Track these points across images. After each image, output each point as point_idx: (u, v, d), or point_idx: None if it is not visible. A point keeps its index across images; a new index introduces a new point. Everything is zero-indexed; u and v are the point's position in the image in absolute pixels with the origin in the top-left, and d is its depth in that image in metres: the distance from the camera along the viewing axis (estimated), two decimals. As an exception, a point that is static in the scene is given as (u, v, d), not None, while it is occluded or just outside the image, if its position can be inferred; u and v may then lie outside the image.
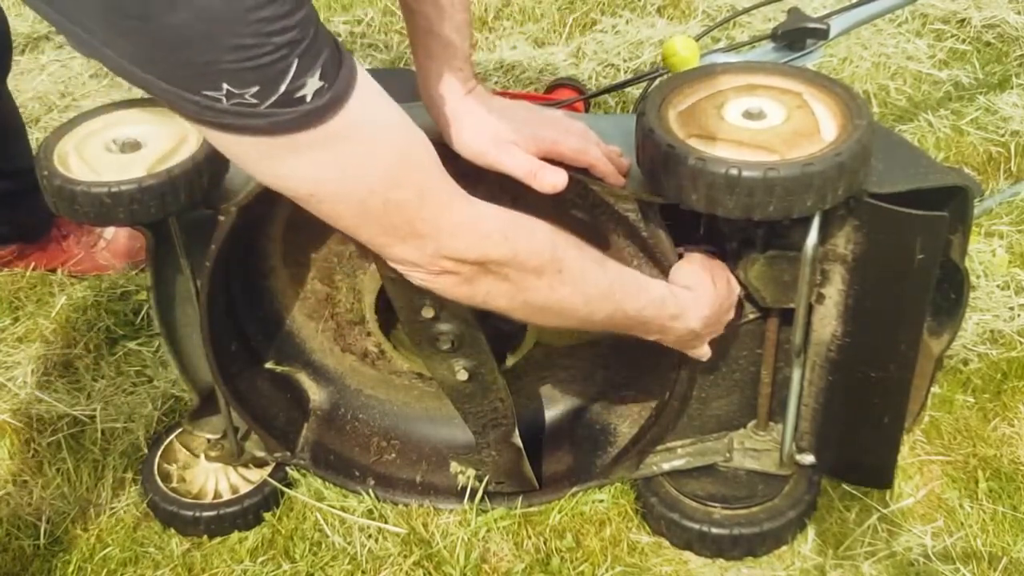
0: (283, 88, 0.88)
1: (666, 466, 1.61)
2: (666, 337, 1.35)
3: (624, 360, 1.67)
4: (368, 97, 0.98)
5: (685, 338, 1.36)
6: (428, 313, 1.48)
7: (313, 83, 0.89)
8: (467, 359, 1.53)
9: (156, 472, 1.69)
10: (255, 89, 0.87)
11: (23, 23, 2.97)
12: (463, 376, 1.54)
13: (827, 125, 1.32)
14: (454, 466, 1.67)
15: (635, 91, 2.42)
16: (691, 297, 1.33)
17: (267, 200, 1.51)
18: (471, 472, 1.65)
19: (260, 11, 0.85)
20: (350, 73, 0.95)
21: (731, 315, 1.41)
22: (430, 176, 1.04)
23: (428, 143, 1.06)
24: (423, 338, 1.52)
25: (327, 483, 1.69)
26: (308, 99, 0.90)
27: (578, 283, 1.20)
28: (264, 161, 0.95)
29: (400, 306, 1.50)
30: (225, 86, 0.86)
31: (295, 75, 0.88)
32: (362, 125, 0.97)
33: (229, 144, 0.95)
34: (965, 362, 1.84)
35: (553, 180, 1.31)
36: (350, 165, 0.98)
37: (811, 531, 1.58)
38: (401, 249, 1.08)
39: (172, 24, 0.83)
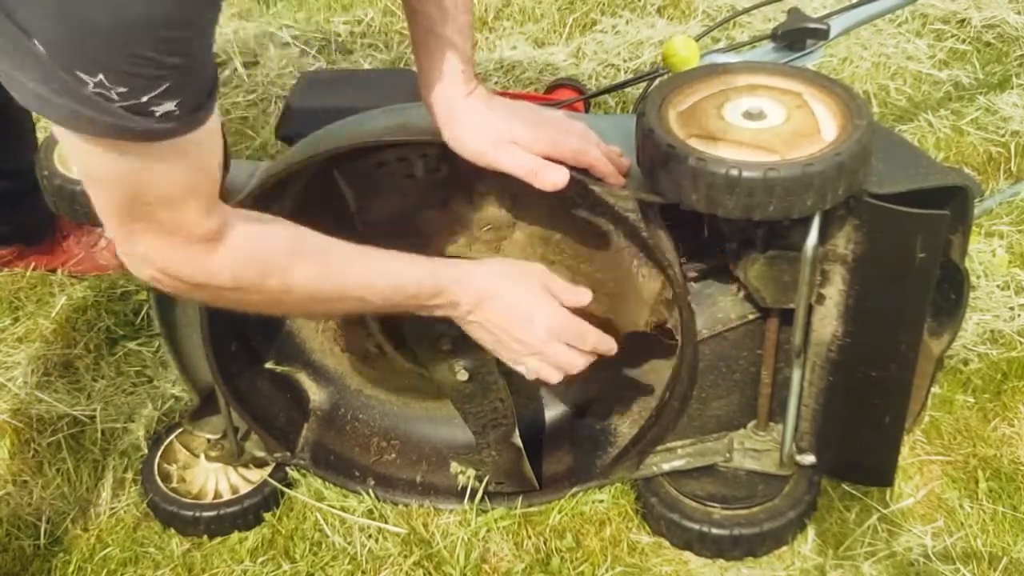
0: (144, 99, 0.94)
1: (666, 466, 1.61)
2: (435, 313, 1.33)
3: (624, 360, 1.67)
4: (206, 134, 1.03)
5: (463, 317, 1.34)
6: None
7: (168, 106, 0.95)
8: (467, 359, 1.53)
9: (156, 472, 1.69)
10: (122, 90, 0.92)
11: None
12: (463, 376, 1.54)
13: (827, 125, 1.32)
14: (454, 466, 1.68)
15: (635, 91, 2.42)
16: (459, 277, 1.32)
17: (268, 198, 1.51)
18: (471, 472, 1.65)
19: (168, 31, 0.92)
20: (206, 112, 1.01)
21: (530, 345, 1.36)
22: (199, 212, 1.08)
23: (218, 182, 1.11)
24: (423, 338, 1.53)
25: (327, 483, 1.69)
26: (156, 115, 0.96)
27: (308, 294, 1.23)
28: (76, 141, 1.00)
29: None
30: (100, 76, 0.91)
31: (161, 93, 0.94)
32: (180, 154, 1.02)
33: (64, 134, 1.00)
34: (965, 362, 1.84)
35: (554, 178, 1.31)
36: (142, 178, 1.03)
37: (811, 531, 1.58)
38: (131, 244, 1.12)
39: (83, 13, 0.89)
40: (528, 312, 1.34)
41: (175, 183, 1.04)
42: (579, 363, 1.38)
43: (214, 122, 1.04)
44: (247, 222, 1.16)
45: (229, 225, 1.12)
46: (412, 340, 1.55)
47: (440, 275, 1.31)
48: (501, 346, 1.37)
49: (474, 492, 1.64)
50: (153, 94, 0.93)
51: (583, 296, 1.37)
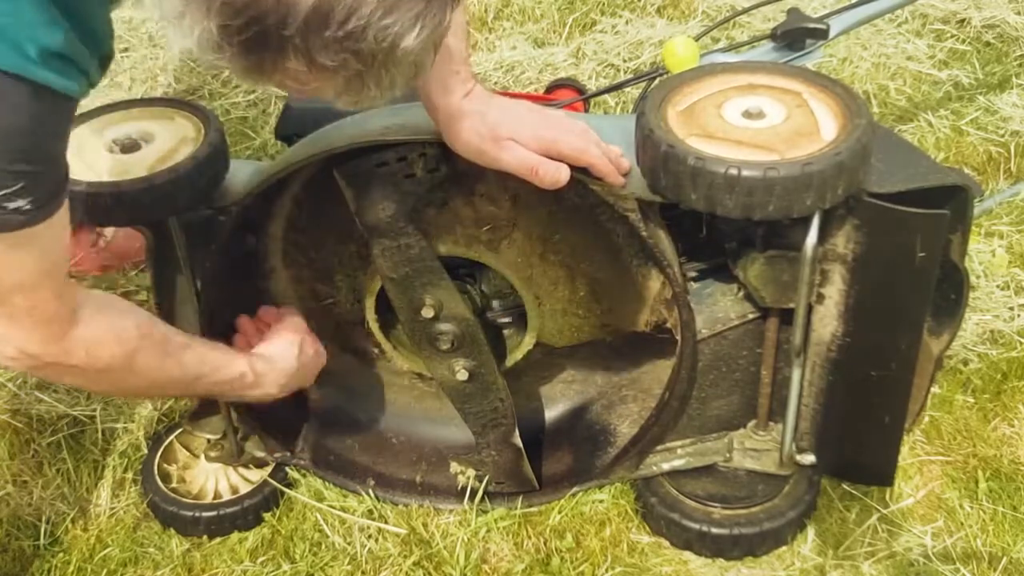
0: None
1: (666, 466, 1.61)
2: (246, 398, 1.51)
3: (624, 360, 1.67)
4: (56, 224, 1.09)
5: (264, 398, 1.51)
6: (428, 313, 1.48)
7: (20, 203, 1.02)
8: (467, 359, 1.53)
9: (156, 472, 1.69)
10: None
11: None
12: (463, 376, 1.54)
13: (827, 125, 1.32)
14: (454, 466, 1.67)
15: (635, 91, 2.42)
16: (270, 369, 1.48)
17: (268, 200, 1.51)
18: (471, 472, 1.65)
19: (14, 141, 1.00)
20: (57, 205, 1.08)
21: (312, 379, 1.58)
22: (52, 295, 1.14)
23: (67, 262, 1.17)
24: (423, 338, 1.53)
25: (327, 483, 1.69)
26: (7, 209, 1.02)
27: (150, 379, 1.31)
28: None
29: (400, 306, 1.50)
30: None
31: (12, 193, 1.01)
32: (32, 243, 1.08)
33: None
34: (965, 362, 1.84)
35: (554, 176, 1.31)
36: (7, 270, 1.10)
37: (811, 531, 1.58)
38: None
39: None
40: (295, 363, 1.53)
41: (28, 270, 1.09)
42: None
43: (64, 212, 1.10)
44: (98, 304, 1.22)
45: (81, 306, 1.18)
46: (412, 340, 1.55)
47: (259, 371, 1.46)
48: (281, 391, 1.54)
49: (474, 492, 1.64)
50: (5, 192, 1.00)
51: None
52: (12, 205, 1.01)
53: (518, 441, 1.60)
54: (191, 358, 1.35)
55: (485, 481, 1.64)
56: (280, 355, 1.50)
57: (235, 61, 0.95)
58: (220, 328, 1.55)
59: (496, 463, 1.63)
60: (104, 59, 1.08)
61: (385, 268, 1.46)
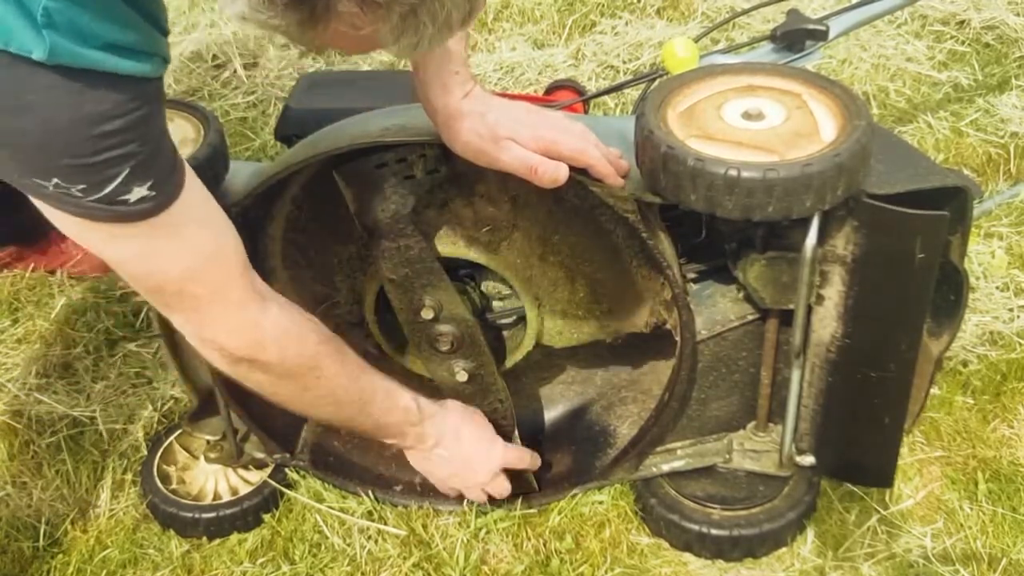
0: (108, 190, 1.01)
1: (666, 467, 1.61)
2: (403, 442, 1.51)
3: (624, 361, 1.67)
4: (191, 203, 1.10)
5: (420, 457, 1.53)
6: (428, 315, 1.48)
7: (140, 191, 1.02)
8: (467, 360, 1.53)
9: (155, 473, 1.69)
10: (82, 186, 1.00)
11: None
12: (463, 377, 1.54)
13: (826, 126, 1.32)
14: None
15: (634, 92, 2.42)
16: (441, 419, 1.50)
17: (268, 201, 1.51)
18: None
19: (100, 126, 0.98)
20: (178, 184, 1.08)
21: (481, 477, 1.55)
22: (229, 278, 1.16)
23: (238, 246, 1.18)
24: (423, 339, 1.53)
25: (326, 484, 1.69)
26: (130, 202, 1.03)
27: (330, 389, 1.33)
28: (81, 234, 1.09)
29: (400, 308, 1.50)
30: (55, 180, 1.00)
31: (123, 182, 1.01)
32: (175, 227, 1.09)
33: (53, 214, 1.07)
34: (965, 363, 1.84)
35: (554, 174, 1.31)
36: (154, 258, 1.11)
37: (811, 532, 1.58)
38: (180, 320, 1.21)
39: (17, 128, 0.97)
40: (486, 452, 1.54)
41: (187, 255, 1.10)
42: (507, 492, 1.58)
43: (195, 191, 1.10)
44: (282, 301, 1.23)
45: (269, 299, 1.18)
46: (412, 341, 1.55)
47: (423, 406, 1.45)
48: (455, 478, 1.56)
49: (473, 493, 1.64)
50: (114, 185, 1.00)
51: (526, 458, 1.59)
52: (132, 196, 1.01)
53: (518, 442, 1.60)
54: (368, 379, 1.36)
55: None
56: (449, 409, 1.52)
57: (288, 14, 0.92)
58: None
59: None
60: (166, 34, 1.10)
61: (385, 269, 1.46)
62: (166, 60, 1.08)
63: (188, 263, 1.12)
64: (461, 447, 1.53)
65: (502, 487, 1.56)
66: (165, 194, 1.06)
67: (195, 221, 1.11)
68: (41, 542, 1.62)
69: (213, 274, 1.12)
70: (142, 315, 2.02)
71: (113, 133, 1.00)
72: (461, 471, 1.55)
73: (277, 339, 1.23)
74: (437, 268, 1.46)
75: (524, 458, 1.58)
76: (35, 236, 2.14)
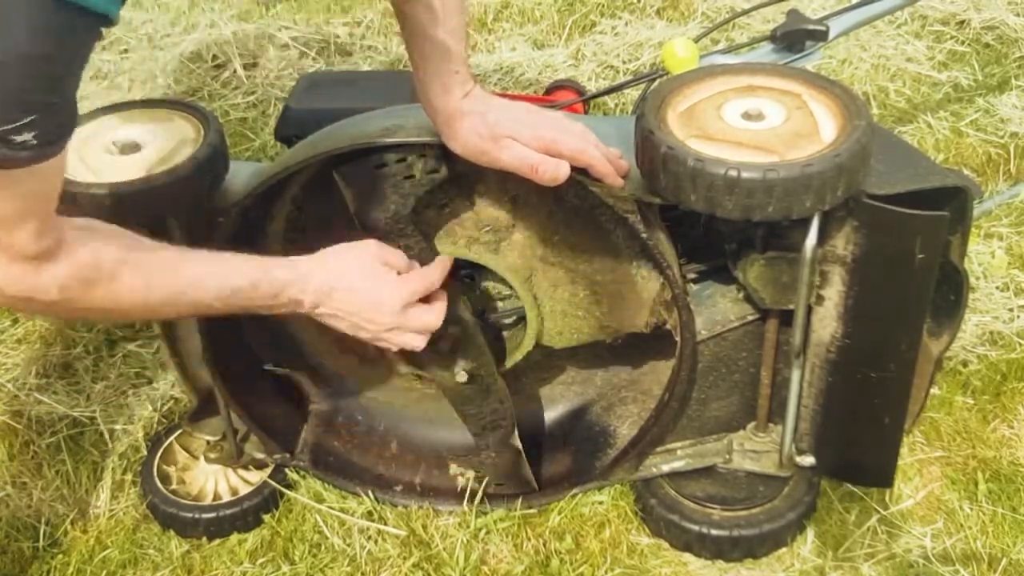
0: (6, 127, 0.96)
1: (666, 467, 1.61)
2: (284, 311, 1.35)
3: (624, 361, 1.67)
4: (48, 173, 1.05)
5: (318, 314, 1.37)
6: None
7: (26, 136, 0.98)
8: (467, 360, 1.53)
9: (155, 474, 1.69)
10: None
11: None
12: (463, 378, 1.54)
13: (826, 126, 1.32)
14: (453, 468, 1.67)
15: (634, 92, 2.42)
16: (301, 274, 1.34)
17: (268, 201, 1.51)
18: (470, 474, 1.65)
19: (41, 68, 0.95)
20: (56, 150, 1.03)
21: (386, 319, 1.38)
22: (31, 235, 1.09)
23: (52, 208, 1.11)
24: (423, 339, 1.52)
25: (326, 485, 1.69)
26: (13, 144, 0.97)
27: (135, 298, 1.22)
28: None
29: None
30: None
31: (24, 125, 0.96)
32: (19, 183, 1.03)
33: None
34: (964, 363, 1.84)
35: (554, 172, 1.31)
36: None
37: (811, 532, 1.58)
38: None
39: None
40: (375, 294, 1.37)
41: (12, 208, 1.05)
42: (435, 320, 1.42)
43: (65, 154, 1.06)
44: (77, 238, 1.16)
45: (59, 243, 1.13)
46: None
47: (275, 276, 1.32)
48: (359, 329, 1.39)
49: (473, 494, 1.64)
50: (16, 125, 0.96)
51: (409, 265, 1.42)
52: (19, 139, 0.97)
53: (517, 443, 1.60)
54: (189, 274, 1.25)
55: (484, 483, 1.64)
56: (317, 261, 1.36)
57: None
58: (220, 329, 1.55)
59: (495, 465, 1.63)
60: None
61: None
62: (116, 18, 1.04)
63: (7, 216, 1.06)
64: (351, 297, 1.37)
65: (421, 320, 1.40)
66: (46, 150, 1.01)
67: (45, 183, 1.07)
68: (41, 542, 1.63)
69: (21, 232, 1.07)
70: (142, 315, 2.02)
71: (43, 78, 0.96)
72: (363, 321, 1.39)
73: (60, 284, 1.15)
74: None
75: (427, 277, 1.42)
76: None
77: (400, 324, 1.39)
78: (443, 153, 1.37)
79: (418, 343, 1.42)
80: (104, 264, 1.17)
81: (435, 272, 1.43)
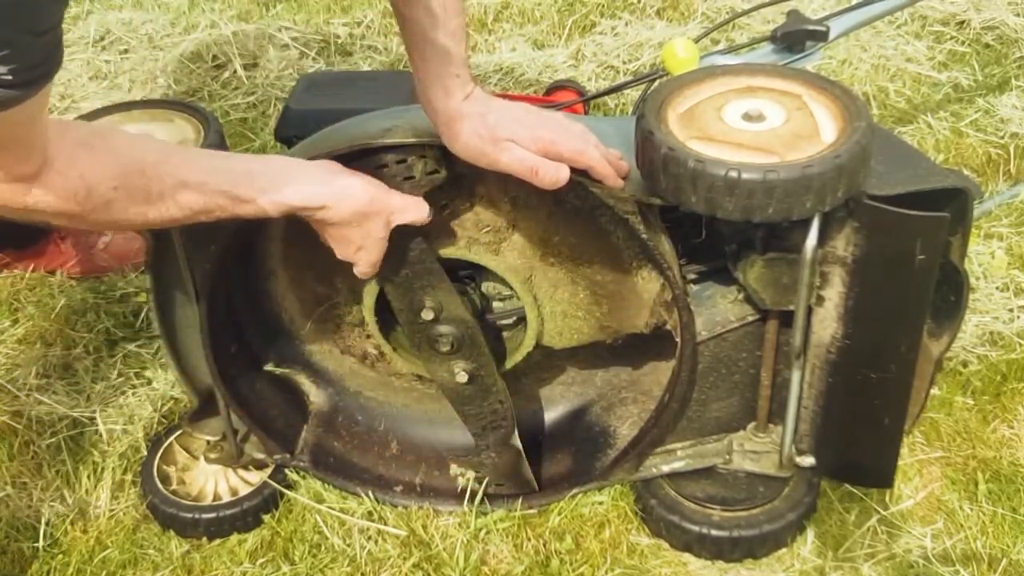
0: None
1: (666, 468, 1.61)
2: (263, 210, 1.31)
3: (624, 362, 1.67)
4: (28, 110, 1.04)
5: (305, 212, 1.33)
6: (428, 315, 1.48)
7: (2, 70, 0.97)
8: (467, 361, 1.53)
9: (155, 474, 1.69)
10: None
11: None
12: (463, 378, 1.54)
13: (826, 127, 1.32)
14: (454, 468, 1.68)
15: (634, 93, 2.42)
16: (286, 169, 1.32)
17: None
18: (471, 474, 1.65)
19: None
20: (32, 91, 1.02)
21: (374, 224, 1.36)
22: (14, 158, 1.10)
23: (36, 138, 1.11)
24: (423, 340, 1.53)
25: (326, 485, 1.69)
26: None
27: (133, 215, 1.22)
28: None
29: (400, 308, 1.50)
30: None
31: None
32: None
33: None
34: (965, 364, 1.84)
35: (554, 176, 1.31)
36: None
37: (811, 533, 1.58)
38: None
39: None
40: (385, 201, 1.36)
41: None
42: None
43: (43, 95, 1.05)
44: (72, 159, 1.16)
45: (48, 164, 1.13)
46: (412, 342, 1.55)
47: (271, 163, 1.31)
48: (347, 241, 1.37)
49: (473, 494, 1.64)
50: None
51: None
52: None
53: (517, 443, 1.60)
54: (190, 195, 1.23)
55: (485, 483, 1.64)
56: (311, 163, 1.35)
57: None
58: (220, 330, 1.55)
59: (496, 465, 1.63)
60: None
61: (385, 270, 1.46)
62: None
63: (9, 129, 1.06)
64: (367, 226, 1.36)
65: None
66: (22, 90, 1.01)
67: (26, 117, 1.06)
68: (41, 542, 1.62)
69: (4, 155, 1.08)
70: (142, 315, 2.02)
71: (14, 15, 0.96)
72: (356, 230, 1.37)
73: (48, 200, 1.15)
74: (437, 269, 1.46)
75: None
76: (27, 239, 2.13)
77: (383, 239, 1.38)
78: (443, 154, 1.37)
79: (363, 270, 1.41)
80: (96, 189, 1.17)
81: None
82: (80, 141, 1.17)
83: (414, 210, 1.39)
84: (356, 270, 1.43)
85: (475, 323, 1.51)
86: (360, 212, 1.34)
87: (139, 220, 1.23)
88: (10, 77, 0.98)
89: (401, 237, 1.43)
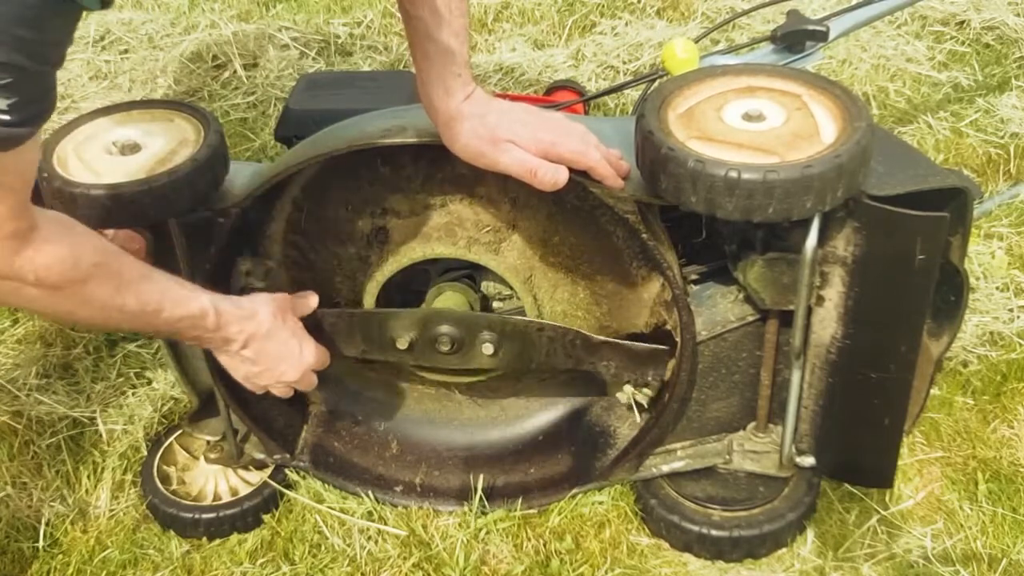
0: None
1: (666, 468, 1.61)
2: (208, 345, 1.42)
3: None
4: (23, 155, 1.05)
5: (228, 353, 1.44)
6: (403, 345, 1.50)
7: (2, 104, 0.97)
8: (489, 331, 1.52)
9: (155, 474, 1.69)
10: None
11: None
12: (489, 350, 1.52)
13: (826, 127, 1.32)
14: (627, 388, 1.60)
15: (634, 93, 2.42)
16: (239, 318, 1.40)
17: (268, 202, 1.51)
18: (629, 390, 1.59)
19: (16, 30, 0.94)
20: (25, 135, 1.02)
21: (297, 373, 1.48)
22: (8, 212, 1.09)
23: (26, 191, 1.11)
24: (423, 340, 1.53)
25: (326, 485, 1.69)
26: None
27: (103, 303, 1.25)
28: None
29: (381, 357, 1.51)
30: None
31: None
32: None
33: None
34: (965, 364, 1.84)
35: (554, 177, 1.31)
36: None
37: (811, 533, 1.58)
38: None
39: None
40: (298, 352, 1.47)
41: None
42: (315, 384, 1.52)
43: (34, 144, 1.06)
44: (54, 231, 1.17)
45: (38, 229, 1.14)
46: (419, 363, 1.56)
47: (223, 311, 1.37)
48: (261, 377, 1.47)
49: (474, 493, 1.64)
50: None
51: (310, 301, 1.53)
52: None
53: None
54: (150, 290, 1.29)
55: (482, 483, 1.64)
56: (258, 312, 1.43)
57: None
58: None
59: None
60: None
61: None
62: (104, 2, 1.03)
63: None
64: (270, 348, 1.45)
65: (310, 382, 1.51)
66: (23, 128, 1.01)
67: (22, 162, 1.07)
68: (41, 542, 1.63)
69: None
70: (142, 315, 2.02)
71: (23, 40, 0.96)
72: (268, 370, 1.47)
73: (36, 268, 1.16)
74: (363, 312, 1.47)
75: (325, 358, 1.53)
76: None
77: (293, 382, 1.49)
78: (443, 154, 1.37)
79: (289, 394, 1.51)
80: (81, 262, 1.19)
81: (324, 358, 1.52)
82: (56, 219, 1.19)
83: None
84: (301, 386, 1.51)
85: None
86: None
87: (105, 304, 1.25)
88: (8, 116, 0.98)
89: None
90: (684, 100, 1.39)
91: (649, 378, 1.50)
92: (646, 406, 1.54)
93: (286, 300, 1.48)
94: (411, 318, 1.50)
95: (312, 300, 1.52)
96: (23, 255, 1.13)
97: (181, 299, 1.33)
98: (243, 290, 1.56)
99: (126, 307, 1.27)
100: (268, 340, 1.43)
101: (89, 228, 1.24)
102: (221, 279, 1.52)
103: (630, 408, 1.57)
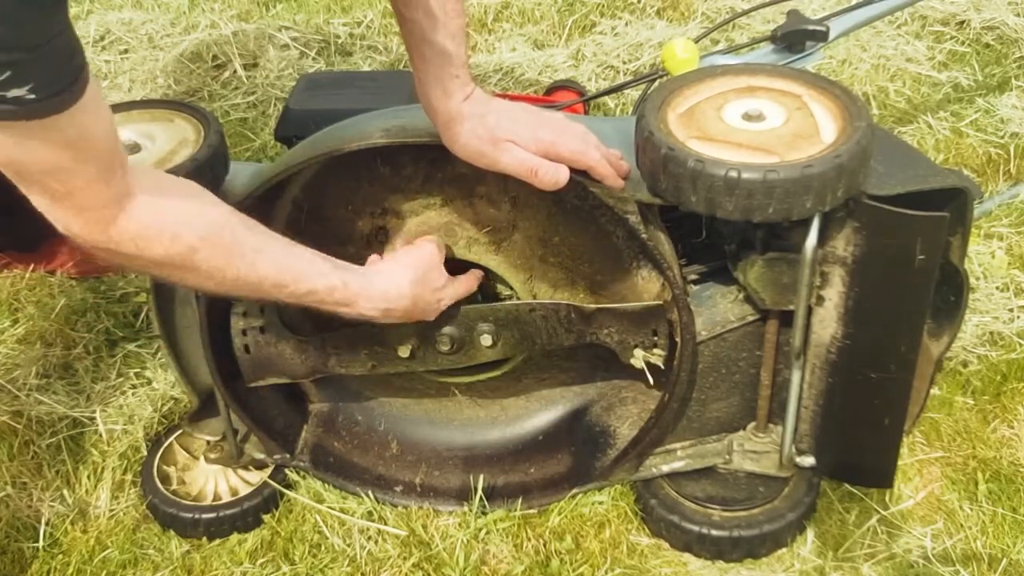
0: None
1: (666, 468, 1.61)
2: (341, 315, 1.39)
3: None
4: (76, 120, 1.04)
5: (364, 319, 1.41)
6: (404, 352, 1.50)
7: (18, 92, 0.97)
8: (487, 323, 1.53)
9: (155, 474, 1.69)
10: None
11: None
12: (487, 341, 1.53)
13: (826, 127, 1.32)
14: (638, 352, 1.57)
15: (634, 93, 2.42)
16: (365, 287, 1.37)
17: (268, 202, 1.51)
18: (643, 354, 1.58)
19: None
20: (67, 100, 1.02)
21: (433, 314, 1.47)
22: (88, 184, 1.09)
23: (110, 148, 1.11)
24: (423, 340, 1.53)
25: (326, 485, 1.69)
26: (7, 99, 0.97)
27: (213, 275, 1.23)
28: None
29: (389, 369, 1.51)
30: None
31: (5, 81, 0.95)
32: (48, 134, 1.03)
33: None
34: (965, 364, 1.84)
35: (554, 177, 1.31)
36: (16, 151, 1.05)
37: (811, 533, 1.58)
38: (36, 200, 1.12)
39: None
40: (435, 305, 1.46)
41: (53, 157, 1.04)
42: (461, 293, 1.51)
43: (91, 101, 1.04)
44: (160, 195, 1.16)
45: (136, 195, 1.12)
46: (422, 366, 1.56)
47: (350, 287, 1.35)
48: (391, 319, 1.43)
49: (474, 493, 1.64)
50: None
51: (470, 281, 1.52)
52: (9, 94, 0.96)
53: None
54: (266, 265, 1.27)
55: (482, 483, 1.64)
56: (385, 276, 1.40)
57: None
58: (219, 330, 1.55)
59: None
60: None
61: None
62: None
63: (54, 163, 1.06)
64: (406, 314, 1.44)
65: (435, 312, 1.49)
66: (49, 103, 1.00)
67: (78, 128, 1.05)
68: (41, 543, 1.63)
69: (77, 179, 1.07)
70: (142, 315, 2.02)
71: (9, 35, 0.95)
72: (408, 315, 1.45)
73: (135, 239, 1.15)
74: (366, 330, 1.47)
75: (470, 283, 1.52)
76: (30, 243, 2.13)
77: (425, 315, 1.46)
78: (443, 154, 1.37)
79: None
80: (183, 234, 1.17)
81: (471, 282, 1.52)
82: (164, 186, 1.18)
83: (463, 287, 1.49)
84: None
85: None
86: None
87: (215, 277, 1.23)
88: (32, 96, 0.97)
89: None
90: (684, 100, 1.39)
91: (655, 336, 1.49)
92: (662, 366, 1.52)
93: (432, 257, 1.45)
94: (407, 324, 1.50)
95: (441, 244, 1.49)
96: (117, 227, 1.12)
97: (304, 275, 1.31)
98: None
99: (241, 280, 1.25)
100: (405, 313, 1.43)
101: (202, 194, 1.22)
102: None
103: (645, 371, 1.53)
